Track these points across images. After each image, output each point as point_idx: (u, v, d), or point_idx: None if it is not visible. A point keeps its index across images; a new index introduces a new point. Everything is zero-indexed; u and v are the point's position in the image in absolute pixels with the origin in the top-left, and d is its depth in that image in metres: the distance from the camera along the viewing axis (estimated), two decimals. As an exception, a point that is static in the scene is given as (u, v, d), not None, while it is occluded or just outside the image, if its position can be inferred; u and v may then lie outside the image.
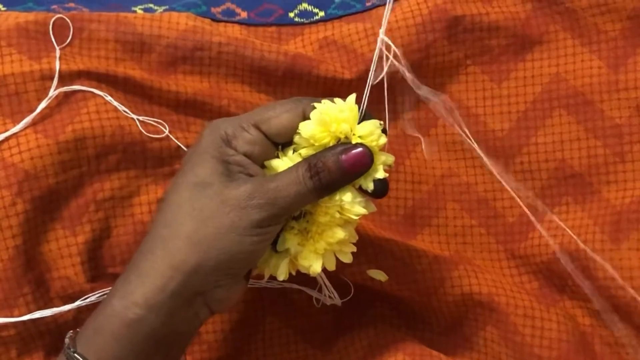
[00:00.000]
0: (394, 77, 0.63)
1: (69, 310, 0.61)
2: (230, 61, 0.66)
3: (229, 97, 0.65)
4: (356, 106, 0.52)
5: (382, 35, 0.55)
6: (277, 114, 0.51)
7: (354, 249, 0.55)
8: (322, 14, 0.71)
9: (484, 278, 0.65)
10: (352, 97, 0.52)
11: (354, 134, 0.51)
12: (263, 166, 0.53)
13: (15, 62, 0.61)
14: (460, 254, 0.68)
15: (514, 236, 0.68)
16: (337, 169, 0.49)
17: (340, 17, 0.70)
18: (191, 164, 0.51)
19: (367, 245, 0.65)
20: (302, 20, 0.70)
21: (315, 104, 0.52)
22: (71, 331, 0.51)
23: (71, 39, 0.64)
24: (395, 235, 0.66)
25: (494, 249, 0.69)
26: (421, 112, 0.69)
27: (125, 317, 0.48)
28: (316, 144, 0.51)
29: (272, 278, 0.55)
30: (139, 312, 0.48)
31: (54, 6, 0.67)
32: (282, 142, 0.53)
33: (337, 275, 0.64)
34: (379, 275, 0.64)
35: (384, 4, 0.69)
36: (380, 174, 0.52)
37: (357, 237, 0.55)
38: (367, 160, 0.50)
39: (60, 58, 0.62)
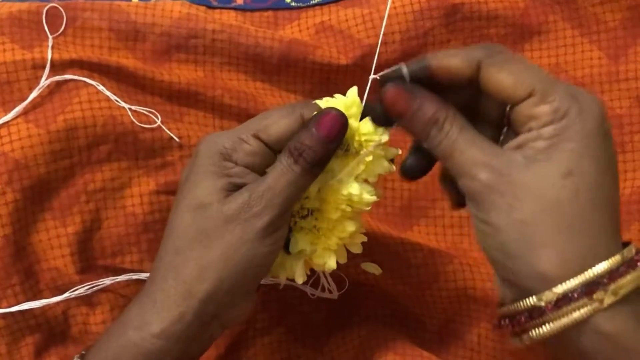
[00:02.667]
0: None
1: (58, 304, 0.61)
2: (225, 49, 0.65)
3: (223, 87, 0.65)
4: (359, 100, 0.51)
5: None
6: (274, 121, 0.50)
7: (365, 239, 0.54)
8: (318, -1, 0.70)
9: (478, 272, 0.64)
10: (354, 91, 0.51)
11: (357, 132, 0.50)
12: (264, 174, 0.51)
13: (8, 51, 0.61)
14: (457, 246, 0.68)
15: (512, 227, 0.68)
16: (316, 141, 0.48)
17: (336, 1, 0.70)
18: (189, 184, 0.50)
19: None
20: (298, 4, 0.70)
21: (318, 102, 0.51)
22: (76, 356, 0.51)
23: (64, 27, 0.63)
24: (391, 227, 0.66)
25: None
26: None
27: (143, 348, 0.48)
28: None
29: (291, 280, 0.55)
30: (157, 343, 0.48)
31: (48, -5, 0.67)
32: (279, 146, 0.51)
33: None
34: (372, 268, 0.63)
35: (381, -10, 0.69)
36: (385, 168, 0.51)
37: (364, 228, 0.54)
38: (340, 120, 0.49)
39: (52, 47, 0.62)
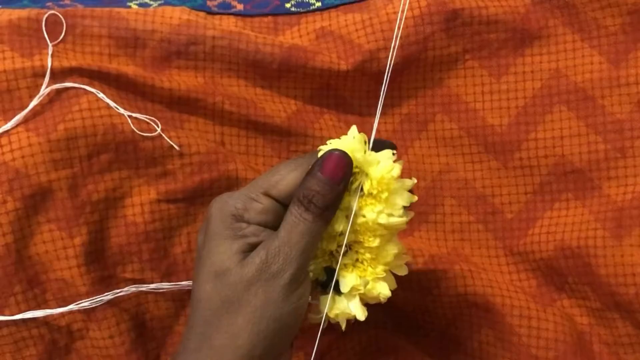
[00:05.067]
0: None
1: (62, 316, 0.61)
2: (225, 55, 0.65)
3: (223, 94, 0.65)
4: (363, 135, 0.50)
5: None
6: (283, 176, 0.50)
7: (409, 258, 0.53)
8: (318, 4, 0.70)
9: (479, 278, 0.65)
10: (354, 130, 0.50)
11: (367, 175, 0.49)
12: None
13: (7, 59, 0.61)
14: (458, 251, 0.68)
15: (513, 232, 0.68)
16: (323, 185, 0.48)
17: (337, 6, 0.70)
18: (206, 250, 0.49)
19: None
20: (298, 10, 0.70)
21: (322, 147, 0.50)
22: None
23: (64, 35, 0.63)
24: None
25: (492, 245, 0.68)
26: (419, 107, 0.69)
27: None
28: None
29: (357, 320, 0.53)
30: None
31: (49, 3, 0.67)
32: (289, 200, 0.50)
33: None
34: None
35: (381, -5, 0.69)
36: (406, 199, 0.50)
37: (404, 248, 0.53)
38: (343, 160, 0.48)
39: (52, 55, 0.62)
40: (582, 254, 0.64)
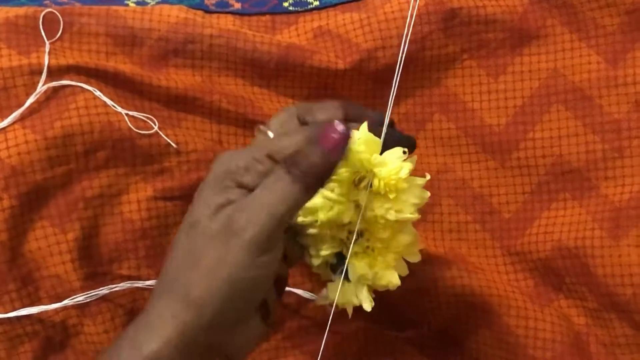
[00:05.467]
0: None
1: (56, 313, 0.61)
2: (222, 54, 0.65)
3: (221, 92, 0.65)
4: (371, 135, 0.48)
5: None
6: (292, 144, 0.46)
7: (423, 246, 0.53)
8: (316, 3, 0.70)
9: (477, 278, 0.65)
10: (364, 127, 0.48)
11: (375, 175, 0.48)
12: None
13: (4, 56, 0.61)
14: (455, 251, 0.68)
15: (510, 232, 0.68)
16: (314, 150, 0.45)
17: (335, 5, 0.70)
18: (193, 201, 0.47)
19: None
20: (296, 9, 0.70)
21: None
22: None
23: (61, 33, 0.63)
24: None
25: (490, 245, 0.68)
26: (417, 107, 0.69)
27: None
28: (338, 178, 0.48)
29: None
30: None
31: (46, 1, 0.67)
32: None
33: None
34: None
35: (379, -6, 0.69)
36: (419, 196, 0.49)
37: (418, 235, 0.52)
38: (344, 135, 0.45)
39: (49, 52, 0.62)
40: (580, 254, 0.64)
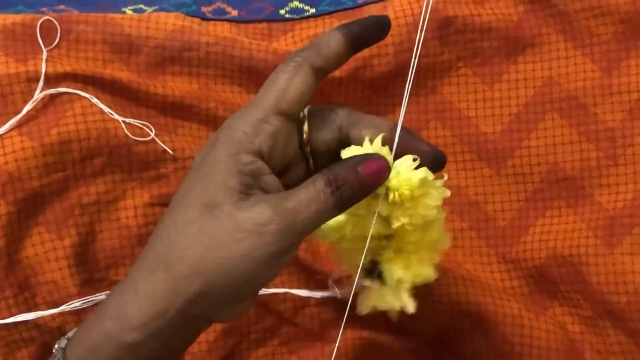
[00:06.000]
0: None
1: (53, 319, 0.61)
2: (219, 61, 0.66)
3: (217, 100, 0.65)
4: (386, 148, 0.47)
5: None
6: (288, 83, 0.46)
7: (448, 242, 0.51)
8: (313, 11, 0.70)
9: (472, 286, 0.65)
10: (379, 141, 0.47)
11: (388, 187, 0.47)
12: (284, 161, 0.48)
13: (2, 63, 0.61)
14: (450, 258, 0.68)
15: (505, 240, 0.68)
16: (357, 181, 0.44)
17: (331, 13, 0.70)
18: (200, 176, 0.46)
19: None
20: (292, 16, 0.70)
21: (342, 152, 0.47)
22: (59, 341, 0.48)
23: (59, 40, 0.63)
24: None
25: (485, 252, 0.68)
26: (412, 115, 0.69)
27: (122, 340, 0.44)
28: None
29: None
30: (136, 337, 0.44)
31: (44, 8, 0.67)
32: (301, 111, 0.48)
33: (325, 281, 0.65)
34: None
35: (375, 2, 0.69)
36: (436, 198, 0.48)
37: (443, 221, 0.51)
38: (385, 170, 0.45)
39: (46, 60, 0.62)
40: (574, 262, 0.64)
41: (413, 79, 0.67)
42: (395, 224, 0.47)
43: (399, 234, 0.49)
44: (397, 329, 0.67)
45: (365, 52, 0.66)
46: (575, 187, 0.67)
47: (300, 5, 0.70)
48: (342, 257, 0.52)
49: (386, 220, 0.48)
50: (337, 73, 0.65)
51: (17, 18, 0.63)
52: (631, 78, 0.66)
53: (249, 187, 0.44)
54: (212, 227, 0.44)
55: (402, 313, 0.65)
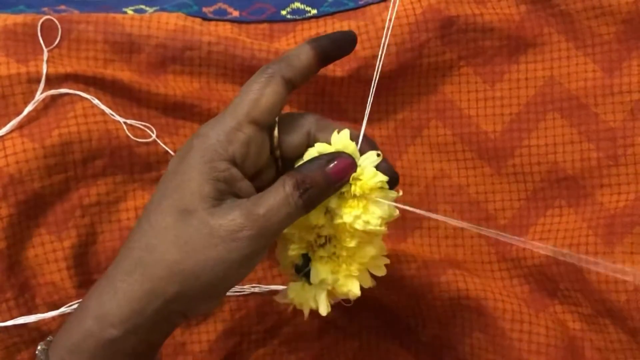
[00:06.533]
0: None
1: (54, 320, 0.61)
2: (221, 61, 0.65)
3: (219, 100, 0.65)
4: (352, 143, 0.49)
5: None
6: (260, 93, 0.48)
7: (388, 261, 0.52)
8: (314, 12, 0.70)
9: (472, 282, 0.65)
10: (346, 133, 0.49)
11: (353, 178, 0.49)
12: (256, 166, 0.50)
13: (2, 64, 0.61)
14: (451, 257, 0.68)
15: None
16: (324, 181, 0.47)
17: (332, 14, 0.70)
18: (176, 182, 0.47)
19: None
20: (294, 17, 0.70)
21: (310, 150, 0.50)
22: (42, 343, 0.49)
23: (59, 40, 0.63)
24: (385, 239, 0.66)
25: (485, 251, 0.68)
26: (413, 113, 0.69)
27: (101, 337, 0.46)
28: None
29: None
30: (115, 334, 0.46)
31: (45, 9, 0.67)
32: (272, 120, 0.50)
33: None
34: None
35: (377, 2, 0.69)
36: (386, 211, 0.49)
37: (385, 249, 0.52)
38: (352, 167, 0.48)
39: (47, 60, 0.62)
40: (574, 260, 0.64)
41: (415, 77, 0.68)
42: (337, 220, 0.49)
43: (338, 237, 0.50)
44: (396, 327, 0.68)
45: (367, 52, 0.66)
46: (576, 186, 0.67)
47: (302, 6, 0.70)
48: (280, 247, 0.53)
49: (331, 216, 0.50)
50: (339, 73, 0.66)
51: (18, 18, 0.63)
52: (632, 78, 0.66)
53: (222, 194, 0.47)
54: (188, 233, 0.46)
55: (404, 307, 0.65)
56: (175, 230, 0.46)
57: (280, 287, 0.64)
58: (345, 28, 0.67)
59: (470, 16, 0.67)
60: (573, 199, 0.67)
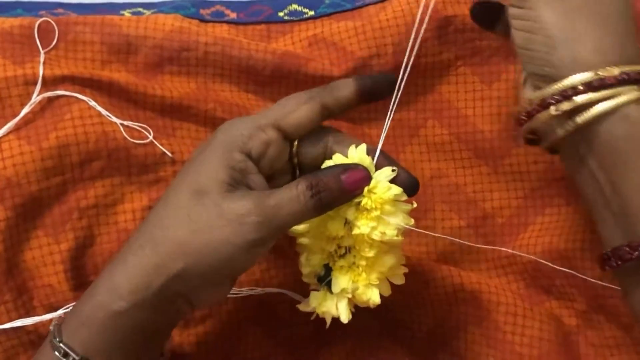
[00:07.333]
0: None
1: (51, 321, 0.61)
2: (218, 61, 0.65)
3: (215, 100, 0.65)
4: (368, 157, 0.52)
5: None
6: (295, 109, 0.52)
7: (406, 270, 0.54)
8: (311, 13, 0.70)
9: (467, 276, 0.66)
10: (363, 148, 0.52)
11: (368, 191, 0.51)
12: (272, 168, 0.53)
13: (-1, 66, 0.61)
14: (447, 256, 0.68)
15: (504, 237, 0.68)
16: (338, 188, 0.49)
17: (330, 14, 0.70)
18: (196, 164, 0.51)
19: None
20: (291, 18, 0.69)
21: (327, 162, 0.52)
22: (56, 319, 0.52)
23: (56, 42, 0.63)
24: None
25: (482, 249, 0.68)
26: (411, 113, 0.69)
27: (110, 309, 0.48)
28: None
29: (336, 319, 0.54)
30: (124, 305, 0.48)
31: (42, 12, 0.66)
32: (300, 137, 0.53)
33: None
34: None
35: (374, 3, 0.68)
36: (401, 221, 0.51)
37: (404, 258, 0.54)
38: (366, 180, 0.50)
39: (44, 62, 0.62)
40: (569, 256, 0.64)
41: (412, 77, 0.68)
42: (355, 231, 0.51)
43: (357, 247, 0.52)
44: (391, 324, 0.68)
45: (364, 52, 0.66)
46: (573, 185, 0.67)
47: (299, 8, 0.70)
48: (303, 258, 0.55)
49: (350, 227, 0.52)
50: (336, 73, 0.66)
51: (15, 21, 0.63)
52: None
53: (237, 182, 0.50)
54: (199, 212, 0.48)
55: (399, 304, 0.66)
56: (187, 209, 0.49)
57: (277, 290, 0.65)
58: (342, 28, 0.67)
59: (467, 16, 0.66)
60: (571, 197, 0.67)
